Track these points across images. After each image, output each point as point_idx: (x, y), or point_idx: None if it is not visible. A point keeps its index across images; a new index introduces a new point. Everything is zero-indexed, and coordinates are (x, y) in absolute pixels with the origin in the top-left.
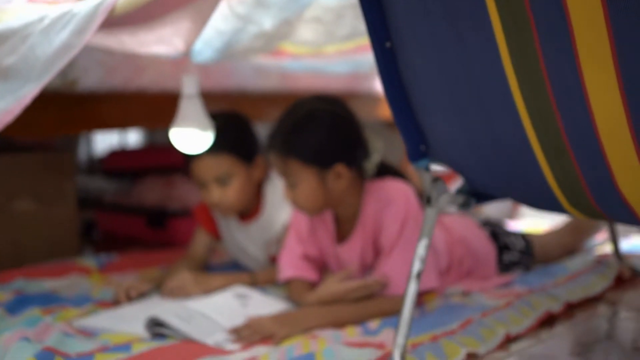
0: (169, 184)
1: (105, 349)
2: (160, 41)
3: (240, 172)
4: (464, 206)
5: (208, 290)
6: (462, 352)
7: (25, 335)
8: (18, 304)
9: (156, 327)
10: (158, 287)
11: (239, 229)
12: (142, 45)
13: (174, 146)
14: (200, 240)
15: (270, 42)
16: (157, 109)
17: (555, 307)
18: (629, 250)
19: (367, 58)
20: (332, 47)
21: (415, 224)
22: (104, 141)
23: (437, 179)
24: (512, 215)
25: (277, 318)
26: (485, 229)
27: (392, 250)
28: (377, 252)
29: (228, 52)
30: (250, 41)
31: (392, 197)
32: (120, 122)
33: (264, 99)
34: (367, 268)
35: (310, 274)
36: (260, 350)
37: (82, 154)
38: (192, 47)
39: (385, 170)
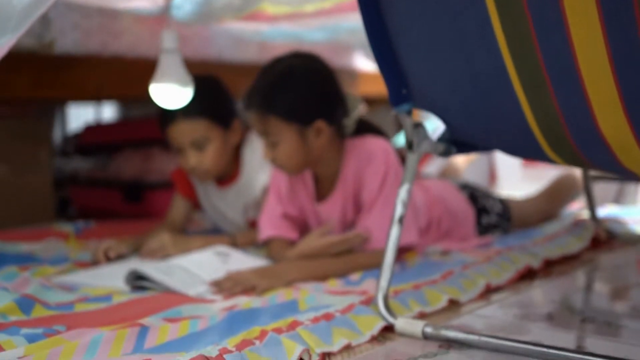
0: (146, 157)
1: (85, 299)
2: None
3: (217, 136)
4: (445, 154)
5: (187, 251)
6: (444, 298)
7: (2, 286)
8: None
9: (136, 281)
10: (136, 251)
11: (217, 193)
12: None
13: (149, 119)
14: (179, 206)
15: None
16: (133, 74)
17: (535, 262)
18: (604, 216)
19: (345, 24)
20: (311, 5)
21: (395, 180)
22: (78, 121)
23: (418, 124)
24: (488, 186)
25: (259, 271)
26: (464, 191)
27: (373, 205)
28: (358, 209)
29: (207, 9)
30: None
31: (373, 154)
32: (96, 87)
33: (242, 70)
34: (347, 226)
35: (290, 233)
36: (242, 299)
37: (56, 136)
38: (172, 1)
39: (365, 128)
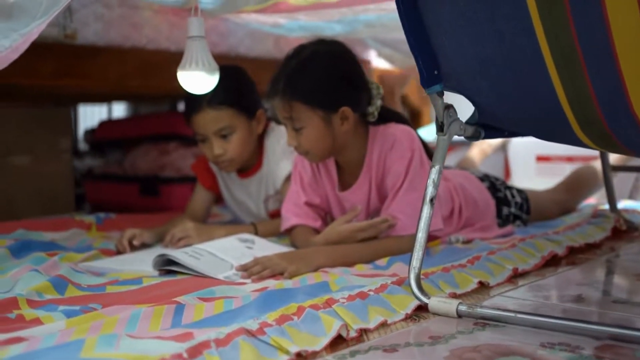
0: (162, 152)
1: (115, 282)
2: None
3: (242, 125)
4: (473, 137)
5: (210, 240)
6: (474, 281)
7: (33, 268)
8: (22, 248)
9: (164, 266)
10: (159, 240)
11: (239, 184)
12: None
13: (164, 114)
14: (200, 196)
15: None
16: (153, 65)
17: (559, 249)
18: (623, 208)
19: (363, 17)
20: None
21: (420, 166)
22: (87, 120)
23: (449, 105)
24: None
25: (286, 255)
26: (485, 182)
27: (398, 191)
28: (382, 196)
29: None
30: None
31: (397, 140)
32: (118, 78)
33: (258, 64)
34: (371, 213)
35: (314, 222)
36: (271, 282)
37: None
38: None
39: (388, 115)
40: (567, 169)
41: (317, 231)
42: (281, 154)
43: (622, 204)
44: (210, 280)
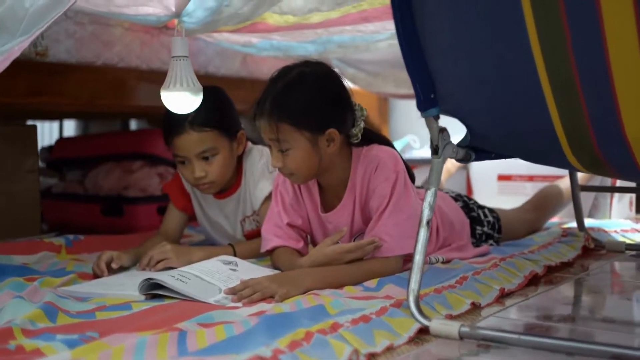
0: (125, 171)
1: (103, 308)
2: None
3: (225, 147)
4: (464, 160)
5: (190, 262)
6: (467, 302)
7: (16, 295)
8: None
9: (150, 290)
10: (136, 262)
11: (214, 204)
12: (132, 3)
13: (127, 133)
14: (173, 217)
15: (259, 8)
16: (124, 84)
17: (538, 269)
18: (588, 227)
19: (337, 38)
20: (318, 16)
21: (404, 188)
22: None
23: (443, 129)
24: None
25: (274, 278)
26: (459, 201)
27: (383, 213)
28: (366, 219)
29: (216, 17)
30: (241, 3)
31: (382, 161)
32: (90, 95)
33: (225, 82)
34: (355, 235)
35: (296, 243)
36: (266, 306)
37: None
38: (184, 9)
39: (371, 137)
40: (528, 188)
41: (299, 252)
42: (260, 175)
43: (586, 222)
44: (202, 305)
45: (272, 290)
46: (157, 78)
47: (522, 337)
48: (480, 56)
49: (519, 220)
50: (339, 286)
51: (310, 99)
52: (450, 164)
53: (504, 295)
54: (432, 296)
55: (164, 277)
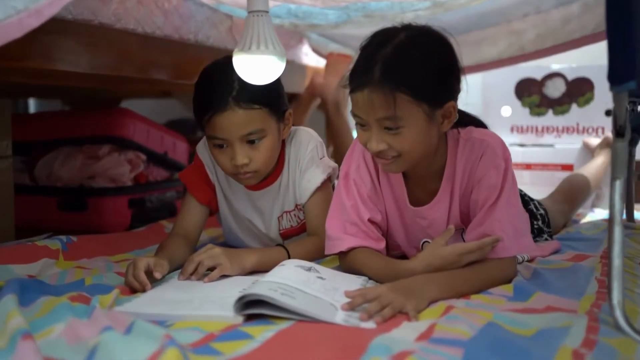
0: (89, 158)
1: (214, 338)
2: None
3: (272, 129)
4: (633, 143)
5: (244, 269)
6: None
7: (105, 324)
8: (18, 291)
9: (246, 309)
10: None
11: (244, 198)
12: None
13: (89, 112)
14: (195, 213)
15: None
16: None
17: None
18: None
19: (375, 5)
20: None
21: (513, 177)
22: None
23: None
24: None
25: (396, 288)
26: None
27: (494, 206)
28: (463, 213)
29: None
30: None
31: (489, 147)
32: (89, 59)
33: (215, 53)
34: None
35: (376, 243)
36: (421, 324)
37: None
38: None
39: (466, 119)
40: (525, 177)
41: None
42: (309, 162)
43: (595, 212)
44: (332, 328)
45: (401, 303)
46: None
47: None
48: None
49: (557, 213)
50: (461, 295)
51: (429, 65)
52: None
53: None
54: (607, 305)
55: (266, 292)
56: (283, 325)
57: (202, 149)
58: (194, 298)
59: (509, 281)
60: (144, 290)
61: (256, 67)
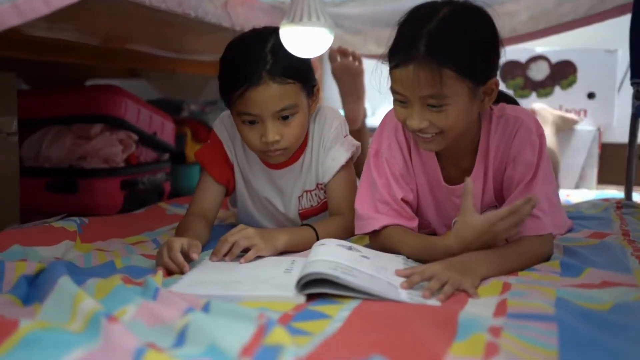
0: (80, 137)
1: (290, 319)
2: None
3: (303, 105)
4: None
5: (276, 249)
6: None
7: (184, 305)
8: (61, 275)
9: (307, 289)
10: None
11: (263, 177)
12: None
13: (79, 89)
14: (212, 193)
15: None
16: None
17: None
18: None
19: None
20: None
21: (547, 154)
22: None
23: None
24: None
25: (450, 265)
26: None
27: (531, 183)
28: (497, 190)
29: None
30: None
31: (523, 124)
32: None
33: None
34: (484, 211)
35: (409, 221)
36: (486, 301)
37: None
38: None
39: (498, 95)
40: None
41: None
42: (334, 140)
43: (577, 192)
44: (402, 306)
45: (457, 280)
46: None
47: None
48: None
49: None
50: (509, 272)
51: (474, 41)
52: (561, 121)
53: None
54: None
55: (330, 271)
56: (352, 304)
57: (220, 127)
58: (242, 279)
59: (547, 258)
60: (181, 272)
61: (305, 40)
